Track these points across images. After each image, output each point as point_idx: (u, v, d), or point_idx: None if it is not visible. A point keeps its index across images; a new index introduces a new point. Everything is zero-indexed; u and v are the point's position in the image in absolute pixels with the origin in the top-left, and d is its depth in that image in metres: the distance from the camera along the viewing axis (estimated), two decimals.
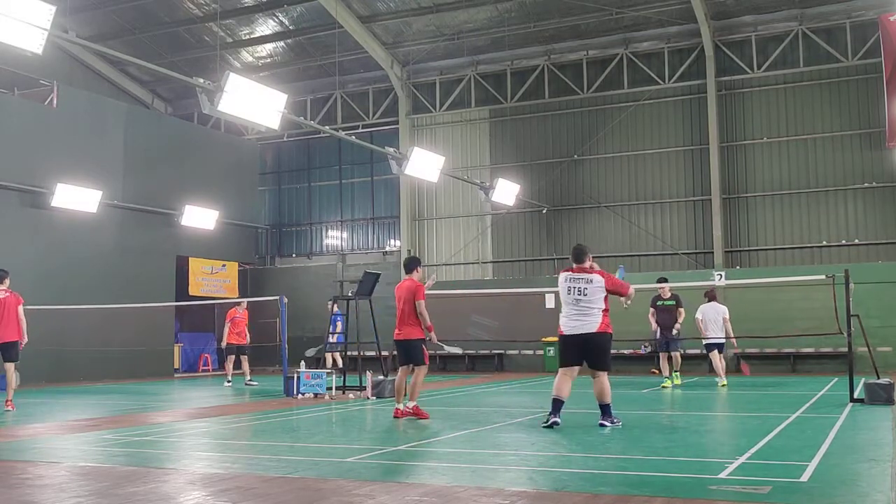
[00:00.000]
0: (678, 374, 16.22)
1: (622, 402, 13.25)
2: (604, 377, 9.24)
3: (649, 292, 16.60)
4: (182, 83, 15.36)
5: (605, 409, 9.26)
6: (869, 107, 21.87)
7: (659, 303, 15.80)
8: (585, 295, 9.18)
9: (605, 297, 9.28)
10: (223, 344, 18.92)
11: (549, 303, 22.49)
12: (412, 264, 11.06)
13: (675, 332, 15.49)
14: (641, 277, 22.70)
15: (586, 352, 9.23)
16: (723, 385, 15.74)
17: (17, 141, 20.91)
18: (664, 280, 16.25)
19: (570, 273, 9.36)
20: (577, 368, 9.29)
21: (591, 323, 9.15)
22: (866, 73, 21.93)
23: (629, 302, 9.81)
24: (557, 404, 9.21)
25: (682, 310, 15.80)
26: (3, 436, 9.64)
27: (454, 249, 26.42)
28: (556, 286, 9.77)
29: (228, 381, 18.73)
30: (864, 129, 22.04)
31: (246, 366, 18.88)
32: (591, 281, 9.21)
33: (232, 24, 25.88)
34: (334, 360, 19.18)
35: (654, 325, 15.89)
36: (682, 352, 16.93)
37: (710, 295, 16.39)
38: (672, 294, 15.86)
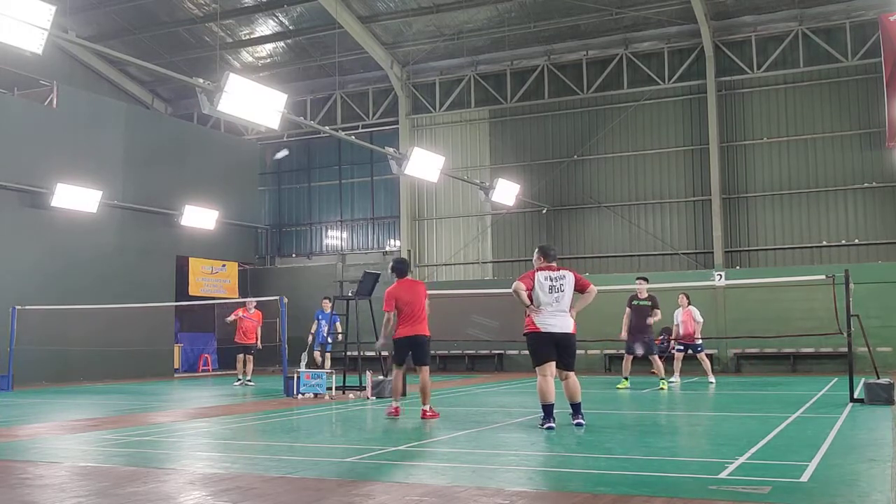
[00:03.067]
0: (663, 379, 15.61)
1: (622, 403, 13.26)
2: (575, 376, 9.40)
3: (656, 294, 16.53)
4: (182, 83, 15.36)
5: (578, 408, 9.37)
6: (869, 107, 21.87)
7: (634, 302, 15.44)
8: (563, 291, 9.28)
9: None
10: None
11: None
12: (406, 266, 11.13)
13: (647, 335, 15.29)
14: None
15: (562, 351, 9.29)
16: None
17: (17, 141, 20.91)
18: (643, 279, 15.88)
19: (549, 272, 9.38)
20: (554, 365, 9.30)
21: (569, 323, 9.28)
22: (866, 73, 21.93)
23: (585, 303, 9.58)
24: (549, 409, 9.21)
25: (657, 311, 15.36)
26: (3, 436, 9.63)
27: (454, 249, 26.42)
28: None
29: (238, 381, 18.58)
30: (864, 129, 22.04)
31: (249, 367, 18.80)
32: (565, 277, 9.36)
33: (232, 24, 25.88)
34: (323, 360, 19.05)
35: (624, 327, 15.50)
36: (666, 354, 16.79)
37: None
38: (649, 294, 15.49)
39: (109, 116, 23.63)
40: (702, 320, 16.89)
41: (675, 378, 16.47)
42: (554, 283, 9.28)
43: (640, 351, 15.53)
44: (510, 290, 9.48)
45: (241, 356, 18.82)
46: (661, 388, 15.07)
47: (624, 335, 15.61)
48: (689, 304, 16.76)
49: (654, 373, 15.80)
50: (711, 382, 16.29)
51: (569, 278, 9.36)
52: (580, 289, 9.42)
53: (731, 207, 23.26)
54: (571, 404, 9.37)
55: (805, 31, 22.70)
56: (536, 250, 9.74)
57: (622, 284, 22.49)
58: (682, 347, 16.58)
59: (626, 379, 15.88)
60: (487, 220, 26.06)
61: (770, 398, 13.59)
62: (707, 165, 23.31)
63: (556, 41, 24.97)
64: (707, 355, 22.17)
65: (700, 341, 16.91)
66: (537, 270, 9.40)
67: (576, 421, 9.29)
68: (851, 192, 22.16)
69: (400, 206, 26.89)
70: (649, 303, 15.38)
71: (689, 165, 23.82)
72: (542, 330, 9.22)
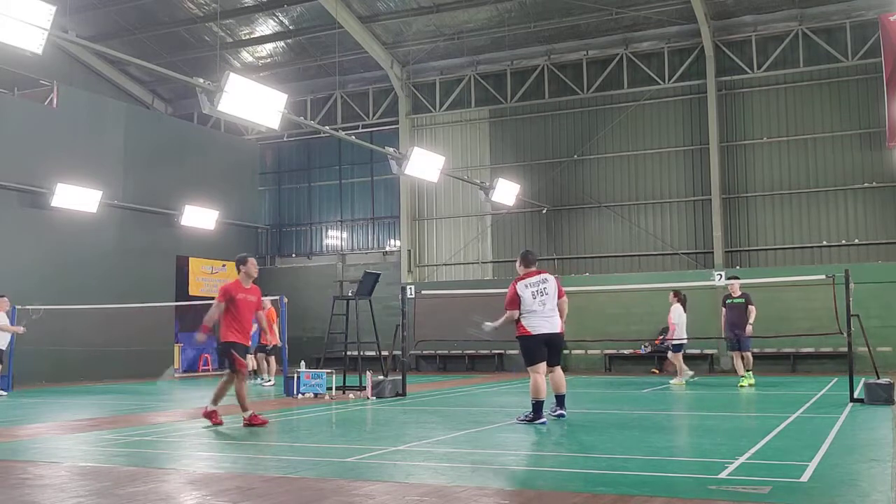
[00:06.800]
0: (750, 372, 15.79)
1: (623, 402, 13.26)
2: (560, 370, 10.12)
3: (644, 293, 16.71)
4: (182, 83, 15.37)
5: (562, 400, 10.03)
6: (869, 107, 21.86)
7: (728, 301, 15.76)
8: (546, 294, 9.85)
9: None
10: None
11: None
12: (237, 263, 10.53)
13: (749, 329, 15.49)
14: (641, 277, 22.77)
15: (551, 349, 9.92)
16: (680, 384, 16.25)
17: (17, 141, 20.91)
18: (735, 277, 16.28)
19: (528, 279, 9.93)
20: (545, 364, 9.89)
21: (556, 323, 9.89)
22: (866, 73, 21.92)
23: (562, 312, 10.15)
24: (541, 406, 9.73)
25: (752, 307, 15.62)
26: (3, 436, 9.64)
27: (454, 249, 26.41)
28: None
29: (259, 381, 18.32)
30: (864, 129, 22.03)
31: (272, 366, 18.66)
32: (547, 280, 9.95)
33: (232, 24, 25.88)
34: (258, 363, 18.76)
35: (723, 323, 15.74)
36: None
37: (681, 297, 16.59)
38: (742, 293, 15.78)
39: (109, 116, 23.63)
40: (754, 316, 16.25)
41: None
42: (535, 289, 9.85)
43: (744, 346, 15.70)
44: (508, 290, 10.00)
45: (262, 355, 18.69)
46: (742, 386, 15.30)
47: (724, 324, 15.80)
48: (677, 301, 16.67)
49: (654, 371, 15.84)
50: (749, 383, 15.87)
51: (550, 281, 9.94)
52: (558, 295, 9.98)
53: (731, 207, 23.25)
54: (556, 396, 9.98)
55: (805, 30, 22.69)
56: (518, 257, 10.27)
57: (622, 284, 22.62)
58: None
59: (745, 376, 15.64)
60: (487, 220, 26.06)
61: (770, 398, 13.59)
62: (707, 165, 23.30)
63: (556, 41, 24.96)
64: (707, 355, 22.27)
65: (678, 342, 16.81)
66: (517, 282, 9.95)
67: (557, 413, 9.89)
68: (851, 192, 22.15)
69: (400, 206, 26.89)
70: (743, 300, 15.67)
71: (689, 165, 23.81)
72: (533, 332, 9.84)
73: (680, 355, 16.84)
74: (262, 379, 18.68)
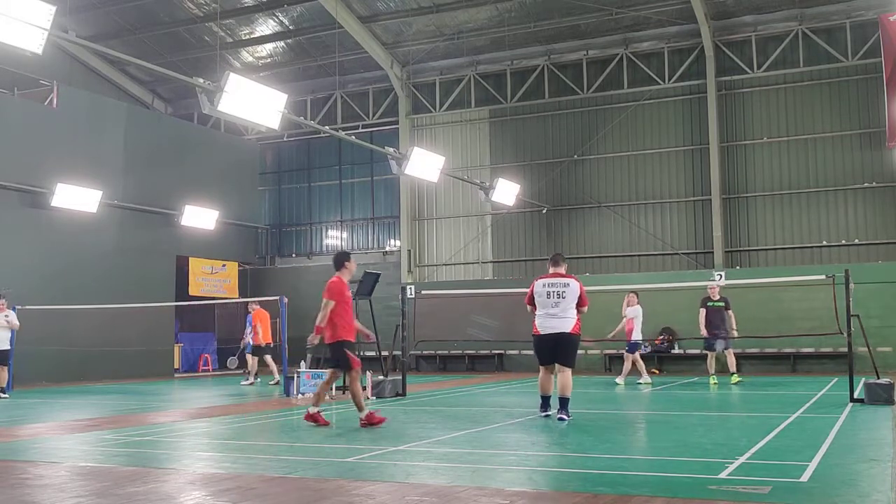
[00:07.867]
0: (714, 375, 16.26)
1: (623, 402, 13.27)
2: (569, 373, 10.08)
3: (644, 293, 16.94)
4: (182, 83, 15.37)
5: (564, 403, 10.01)
6: (869, 107, 21.86)
7: (710, 303, 16.17)
8: (564, 298, 9.98)
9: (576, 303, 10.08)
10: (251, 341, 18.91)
11: None
12: (340, 259, 10.35)
13: (734, 333, 16.14)
14: (641, 277, 22.76)
15: (558, 349, 10.03)
16: (648, 383, 16.58)
17: (17, 141, 20.92)
18: (713, 280, 16.91)
19: (547, 279, 10.15)
20: (555, 366, 10.18)
21: (565, 323, 9.97)
22: (866, 73, 21.92)
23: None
24: (546, 399, 10.19)
25: (731, 312, 16.13)
26: (3, 436, 9.64)
27: (454, 249, 26.41)
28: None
29: (274, 381, 18.51)
30: (864, 129, 22.03)
31: (271, 366, 18.78)
32: (568, 285, 10.06)
33: (232, 24, 25.88)
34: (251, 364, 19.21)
35: (702, 326, 16.02)
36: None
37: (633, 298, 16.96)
38: (722, 296, 16.19)
39: (109, 116, 23.63)
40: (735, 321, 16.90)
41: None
42: (552, 290, 10.03)
43: (719, 347, 16.27)
44: (513, 291, 10.17)
45: (268, 357, 18.82)
46: (715, 383, 15.83)
47: (704, 333, 16.14)
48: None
49: (654, 371, 15.90)
50: (732, 382, 16.21)
51: (573, 286, 10.04)
52: (578, 303, 10.07)
53: (731, 207, 23.25)
54: (560, 398, 10.03)
55: (805, 30, 22.69)
56: None
57: (622, 284, 22.58)
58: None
59: (713, 375, 16.27)
60: (487, 220, 26.06)
61: (770, 398, 13.59)
62: (707, 165, 23.30)
63: (556, 41, 24.96)
64: (707, 355, 22.24)
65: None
66: (536, 280, 10.29)
67: (559, 416, 9.88)
68: (851, 192, 22.15)
69: (400, 206, 26.89)
70: (723, 303, 16.15)
71: (689, 165, 23.81)
72: (541, 333, 10.08)
73: (637, 355, 17.11)
74: (248, 379, 18.82)
